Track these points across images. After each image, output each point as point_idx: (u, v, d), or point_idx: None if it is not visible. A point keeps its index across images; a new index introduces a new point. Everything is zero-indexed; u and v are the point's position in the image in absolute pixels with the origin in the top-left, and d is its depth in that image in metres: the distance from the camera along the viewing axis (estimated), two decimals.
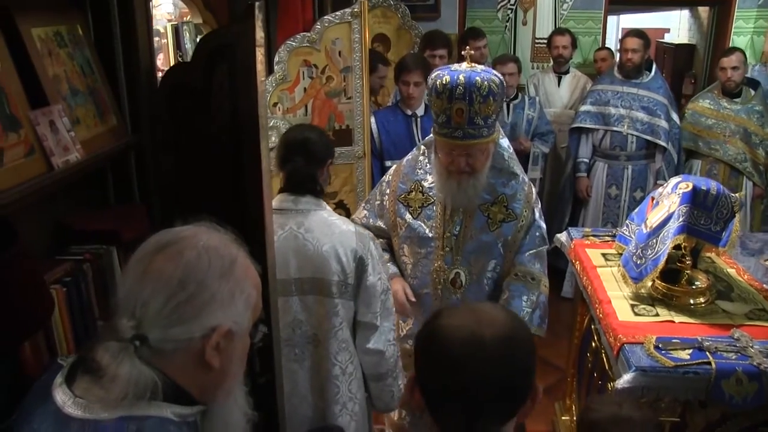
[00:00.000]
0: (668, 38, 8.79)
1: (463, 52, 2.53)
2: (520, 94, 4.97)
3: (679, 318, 2.47)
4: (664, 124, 4.73)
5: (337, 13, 3.65)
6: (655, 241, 2.60)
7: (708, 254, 2.92)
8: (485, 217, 2.54)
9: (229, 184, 1.95)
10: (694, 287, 2.62)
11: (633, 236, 2.85)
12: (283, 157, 2.32)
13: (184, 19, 5.08)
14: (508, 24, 5.75)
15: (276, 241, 2.12)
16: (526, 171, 3.82)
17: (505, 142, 2.61)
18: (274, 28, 4.02)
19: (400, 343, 2.58)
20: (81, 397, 1.07)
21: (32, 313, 1.48)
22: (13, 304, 1.39)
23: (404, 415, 2.89)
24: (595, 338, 2.80)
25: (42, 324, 1.54)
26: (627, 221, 3.09)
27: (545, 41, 5.50)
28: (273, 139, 3.33)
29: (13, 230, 1.43)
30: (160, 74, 2.56)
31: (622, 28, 9.25)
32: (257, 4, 1.72)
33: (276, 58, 3.55)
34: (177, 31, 4.88)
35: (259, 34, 1.76)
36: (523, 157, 4.69)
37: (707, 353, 2.22)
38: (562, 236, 3.44)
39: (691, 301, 2.57)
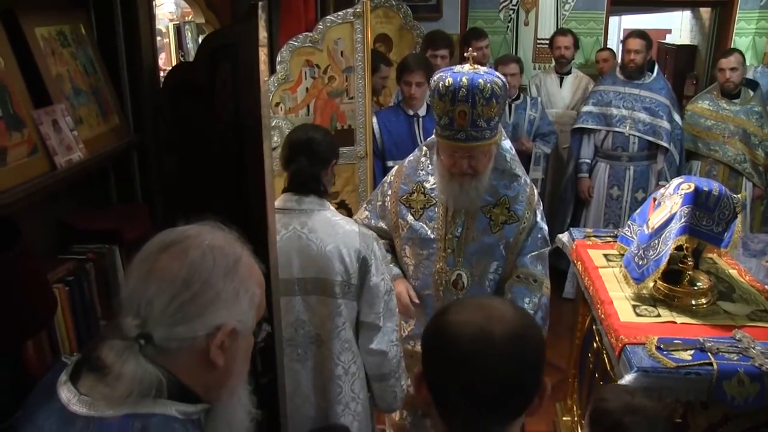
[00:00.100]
0: (670, 39, 8.78)
1: (465, 54, 2.52)
2: (522, 95, 4.97)
3: (680, 319, 2.48)
4: (666, 124, 4.73)
5: (340, 13, 3.65)
6: (656, 241, 2.60)
7: (710, 255, 2.92)
8: (487, 218, 2.54)
9: (231, 183, 1.95)
10: (695, 288, 2.62)
11: (635, 237, 2.85)
12: (287, 157, 2.32)
13: (186, 18, 5.08)
14: (509, 24, 5.76)
15: (279, 240, 2.12)
16: (527, 171, 3.82)
17: (507, 143, 2.60)
18: (277, 28, 4.02)
19: (402, 343, 2.58)
20: (86, 395, 1.07)
21: (35, 312, 1.48)
22: (16, 304, 1.40)
23: (405, 415, 2.89)
24: (597, 339, 2.80)
25: (45, 323, 1.54)
26: (629, 222, 3.09)
27: (547, 42, 5.50)
28: (275, 139, 3.33)
29: (16, 229, 1.43)
30: (162, 74, 2.56)
31: (624, 29, 9.25)
32: (260, 3, 1.72)
33: (278, 58, 3.55)
34: (179, 31, 4.88)
35: (262, 34, 1.75)
36: (525, 157, 4.69)
37: (709, 354, 2.22)
38: (564, 237, 3.44)
39: (693, 302, 2.57)
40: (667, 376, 2.16)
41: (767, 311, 2.52)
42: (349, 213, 3.65)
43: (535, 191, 2.63)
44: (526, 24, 5.74)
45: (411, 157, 2.73)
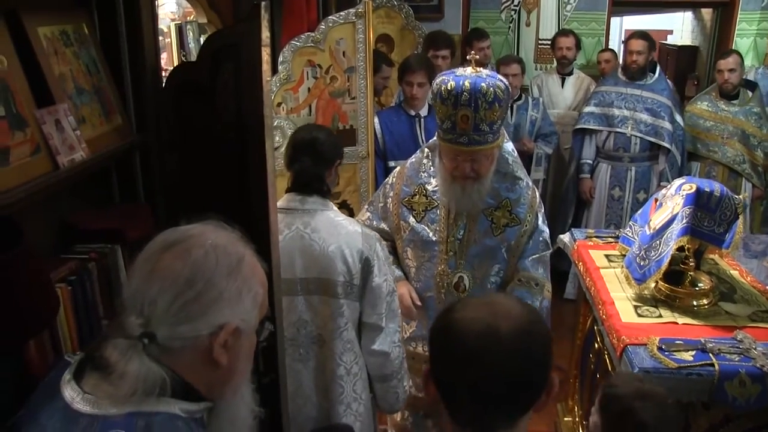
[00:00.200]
0: (671, 40, 8.78)
1: (468, 57, 2.51)
2: (523, 95, 4.97)
3: (682, 319, 2.48)
4: (667, 125, 4.73)
5: (342, 13, 3.65)
6: (658, 242, 2.60)
7: (711, 256, 2.92)
8: (489, 221, 2.53)
9: (234, 183, 1.95)
10: (697, 289, 2.62)
11: (636, 238, 2.85)
12: (291, 157, 2.32)
13: (188, 18, 5.08)
14: (511, 25, 5.76)
15: (282, 240, 2.12)
16: (529, 172, 3.81)
17: (509, 145, 2.59)
18: (279, 27, 4.02)
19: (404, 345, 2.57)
20: (90, 393, 1.08)
21: (38, 312, 1.48)
22: (18, 304, 1.40)
23: (407, 415, 2.89)
24: (598, 339, 2.80)
25: (47, 323, 1.54)
26: (630, 223, 3.09)
27: (549, 42, 5.49)
28: (277, 139, 3.33)
29: (19, 230, 1.43)
30: (163, 74, 2.56)
31: (626, 30, 9.25)
32: (263, 3, 1.72)
33: (280, 58, 3.55)
34: (180, 31, 4.88)
35: (265, 34, 1.76)
36: (526, 158, 4.69)
37: (710, 355, 2.22)
38: (566, 237, 3.44)
39: (695, 303, 2.57)
40: (668, 377, 2.16)
41: None
42: (351, 213, 3.65)
43: (537, 194, 2.63)
44: (528, 24, 5.74)
45: (413, 158, 2.72)
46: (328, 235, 2.23)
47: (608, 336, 2.49)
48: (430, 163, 2.63)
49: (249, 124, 1.86)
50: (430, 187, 2.60)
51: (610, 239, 3.24)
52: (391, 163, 3.85)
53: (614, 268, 2.91)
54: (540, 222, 2.58)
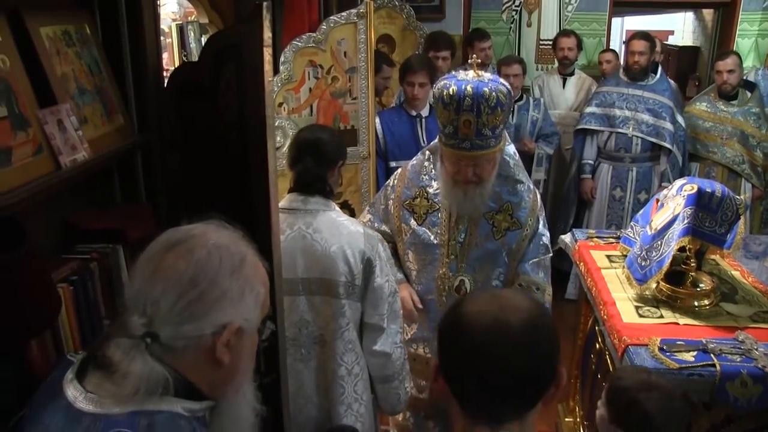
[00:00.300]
0: (672, 40, 8.77)
1: (469, 60, 2.49)
2: (524, 96, 4.97)
3: (683, 320, 2.48)
4: (669, 126, 4.73)
5: (343, 13, 3.65)
6: (659, 242, 2.60)
7: (712, 256, 2.92)
8: (490, 225, 2.52)
9: (235, 183, 1.96)
10: (698, 289, 2.62)
11: (637, 238, 2.85)
12: (294, 157, 2.32)
13: (189, 18, 5.09)
14: (512, 25, 5.75)
15: (284, 240, 2.13)
16: (529, 173, 3.81)
17: (510, 148, 2.57)
18: (280, 28, 4.02)
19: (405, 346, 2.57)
20: (92, 393, 1.08)
21: (40, 312, 1.48)
22: (20, 304, 1.40)
23: (408, 416, 2.88)
24: (599, 340, 2.80)
25: (49, 323, 1.55)
26: (631, 223, 3.09)
27: (550, 43, 5.49)
28: (278, 139, 3.33)
29: (22, 230, 1.43)
30: (165, 74, 2.57)
31: (627, 30, 9.25)
32: (265, 4, 1.72)
33: (281, 58, 3.55)
34: (182, 31, 4.88)
35: (267, 34, 1.76)
36: (527, 158, 4.69)
37: (712, 355, 2.22)
38: (567, 238, 3.44)
39: (696, 303, 2.57)
40: (669, 378, 2.16)
41: None
42: (352, 213, 3.65)
43: (538, 197, 2.61)
44: (529, 25, 5.74)
45: (414, 161, 2.71)
46: (330, 235, 2.23)
47: (609, 336, 2.49)
48: (432, 166, 2.61)
49: (251, 124, 1.86)
50: (431, 190, 2.59)
51: (612, 240, 3.24)
52: (392, 164, 3.85)
53: (615, 268, 2.91)
54: (541, 226, 2.57)
